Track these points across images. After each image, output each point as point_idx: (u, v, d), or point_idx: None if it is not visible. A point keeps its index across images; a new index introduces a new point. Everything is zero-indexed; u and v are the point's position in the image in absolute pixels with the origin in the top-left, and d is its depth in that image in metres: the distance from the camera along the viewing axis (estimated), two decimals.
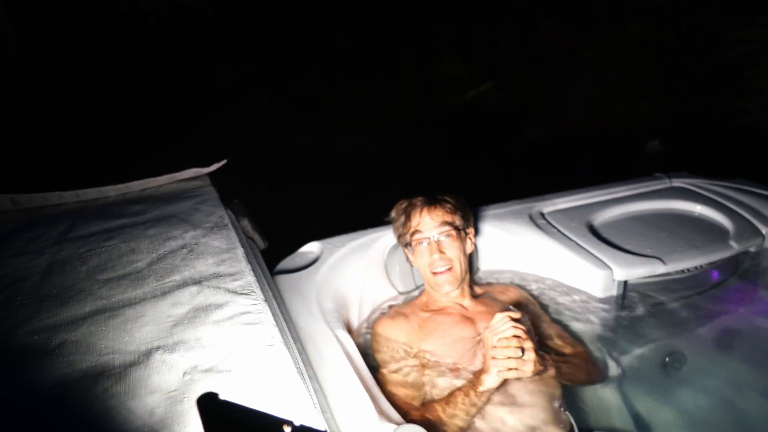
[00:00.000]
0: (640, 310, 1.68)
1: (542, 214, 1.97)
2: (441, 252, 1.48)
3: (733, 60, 4.20)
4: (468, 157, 4.75)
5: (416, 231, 1.51)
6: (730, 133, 4.16)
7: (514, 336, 1.15)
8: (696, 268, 1.72)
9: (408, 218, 1.54)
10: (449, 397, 1.25)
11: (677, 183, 2.18)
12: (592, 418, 1.37)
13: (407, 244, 1.56)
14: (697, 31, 4.76)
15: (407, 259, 1.64)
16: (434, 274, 1.49)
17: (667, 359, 1.54)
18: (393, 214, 1.61)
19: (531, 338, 1.17)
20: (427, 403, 1.30)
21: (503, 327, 1.16)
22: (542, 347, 1.18)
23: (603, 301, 1.67)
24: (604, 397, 1.42)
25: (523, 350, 1.14)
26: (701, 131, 4.46)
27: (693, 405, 1.43)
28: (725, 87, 4.43)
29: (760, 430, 1.38)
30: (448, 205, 1.53)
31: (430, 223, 1.50)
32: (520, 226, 1.89)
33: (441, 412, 1.24)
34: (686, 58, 4.87)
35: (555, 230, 1.85)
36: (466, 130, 5.50)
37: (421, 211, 1.52)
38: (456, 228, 1.51)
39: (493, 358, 1.15)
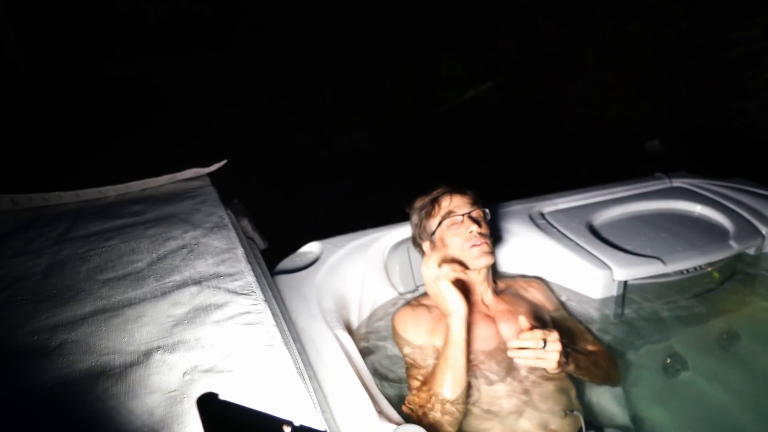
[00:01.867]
0: (640, 310, 1.68)
1: (542, 214, 1.97)
2: (477, 224, 1.47)
3: (733, 60, 4.21)
4: (468, 157, 4.75)
5: (450, 211, 1.49)
6: (730, 132, 4.16)
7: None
8: (696, 268, 1.72)
9: (436, 204, 1.52)
10: (436, 364, 1.27)
11: (677, 183, 2.18)
12: (593, 418, 1.36)
13: (433, 232, 1.51)
14: (696, 31, 4.76)
15: (423, 254, 1.59)
16: (471, 247, 1.46)
17: (667, 360, 1.54)
18: (416, 206, 1.58)
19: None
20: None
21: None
22: (563, 342, 1.22)
23: (603, 301, 1.67)
24: (603, 397, 1.42)
25: (545, 342, 1.17)
26: (701, 131, 4.46)
27: (693, 406, 1.43)
28: (725, 87, 4.43)
29: (760, 430, 1.38)
30: (470, 192, 1.56)
31: (463, 202, 1.51)
32: (520, 226, 1.89)
33: (437, 374, 1.24)
34: (686, 58, 4.87)
35: (555, 230, 1.85)
36: (466, 130, 5.50)
37: (451, 195, 1.53)
38: (484, 209, 1.53)
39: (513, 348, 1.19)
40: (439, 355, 1.37)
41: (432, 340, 1.43)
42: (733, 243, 1.76)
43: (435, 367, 1.27)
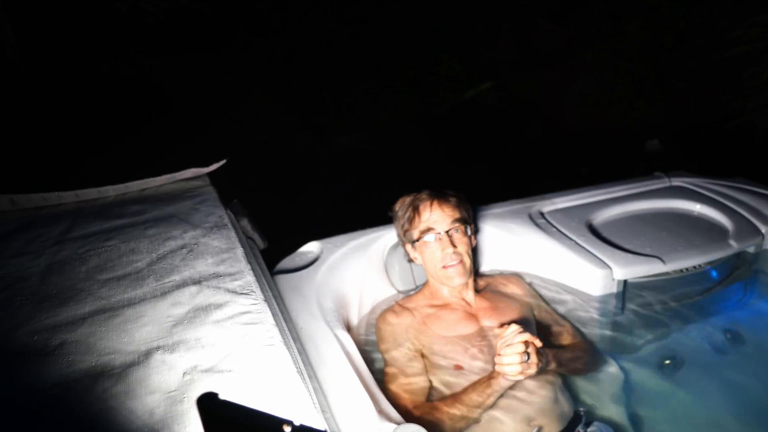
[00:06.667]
0: (639, 310, 1.68)
1: (542, 214, 1.97)
2: (453, 246, 1.47)
3: (732, 59, 4.21)
4: (467, 156, 4.75)
5: (428, 228, 1.49)
6: (729, 132, 4.16)
7: (523, 342, 1.19)
8: (695, 267, 1.72)
9: (417, 213, 1.51)
10: (461, 394, 1.27)
11: (677, 182, 2.18)
12: (591, 416, 1.37)
13: (414, 241, 1.53)
14: (696, 31, 4.77)
15: (408, 256, 1.62)
16: (444, 267, 1.48)
17: (666, 359, 1.54)
18: (397, 209, 1.58)
19: (533, 339, 1.21)
20: (435, 401, 1.31)
21: (514, 340, 1.19)
22: (542, 339, 1.23)
23: (602, 300, 1.67)
24: (602, 397, 1.42)
25: (528, 355, 1.18)
26: (700, 130, 4.46)
27: (692, 405, 1.43)
28: (724, 86, 4.43)
29: (760, 430, 1.38)
30: (454, 200, 1.53)
31: (441, 218, 1.49)
32: (519, 225, 1.89)
33: (449, 408, 1.24)
34: (685, 57, 4.87)
35: (555, 229, 1.85)
36: (466, 130, 5.50)
37: (431, 205, 1.50)
38: (464, 222, 1.52)
39: (499, 363, 1.19)
40: (423, 358, 1.40)
41: (415, 345, 1.44)
42: (732, 242, 1.76)
43: (458, 400, 1.26)
